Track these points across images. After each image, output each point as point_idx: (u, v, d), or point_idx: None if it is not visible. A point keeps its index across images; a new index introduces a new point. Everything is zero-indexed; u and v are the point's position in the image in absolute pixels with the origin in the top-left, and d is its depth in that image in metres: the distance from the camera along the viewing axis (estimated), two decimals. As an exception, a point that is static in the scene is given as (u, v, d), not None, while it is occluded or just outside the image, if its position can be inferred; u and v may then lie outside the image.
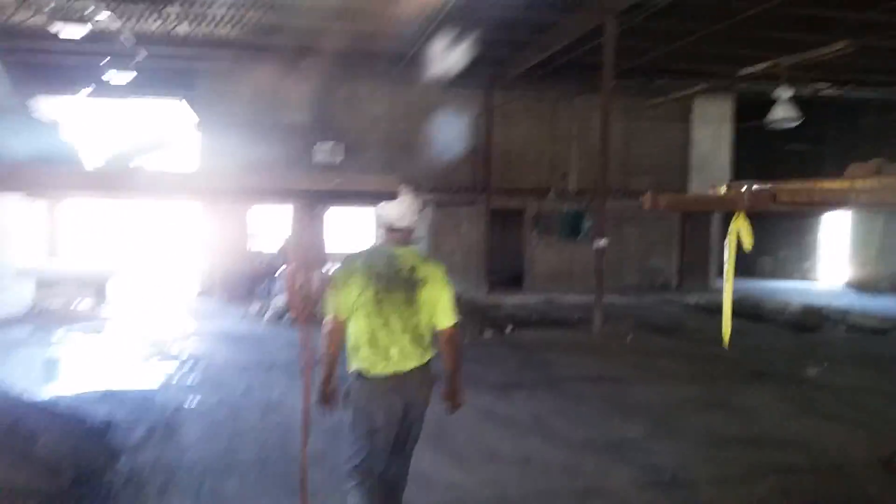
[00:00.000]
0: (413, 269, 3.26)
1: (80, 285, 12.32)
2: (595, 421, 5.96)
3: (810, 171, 18.49)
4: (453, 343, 3.37)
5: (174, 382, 7.11)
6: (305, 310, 3.11)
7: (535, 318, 11.79)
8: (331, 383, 3.32)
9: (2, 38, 11.48)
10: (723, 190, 3.92)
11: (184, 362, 8.01)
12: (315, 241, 3.26)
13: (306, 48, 12.95)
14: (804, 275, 19.17)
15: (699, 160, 16.28)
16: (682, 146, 16.21)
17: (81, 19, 10.11)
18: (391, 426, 3.21)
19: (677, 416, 6.14)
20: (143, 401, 6.27)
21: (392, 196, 3.13)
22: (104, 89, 13.43)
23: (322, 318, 3.29)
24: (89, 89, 13.22)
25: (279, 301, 11.89)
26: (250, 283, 14.59)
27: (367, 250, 3.36)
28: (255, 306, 11.98)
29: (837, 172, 3.37)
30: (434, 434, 4.72)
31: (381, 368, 3.17)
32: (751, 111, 17.57)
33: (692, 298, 14.95)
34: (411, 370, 3.22)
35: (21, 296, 12.20)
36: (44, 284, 12.06)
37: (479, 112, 14.83)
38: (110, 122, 17.06)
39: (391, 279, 3.21)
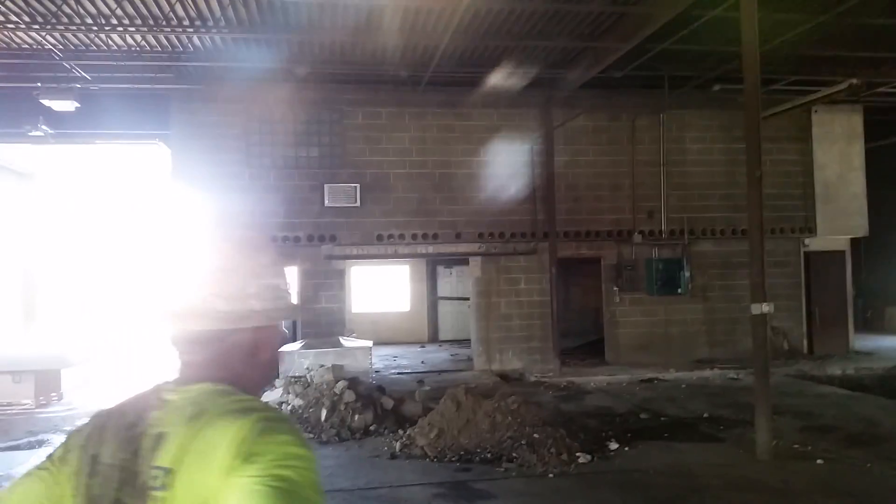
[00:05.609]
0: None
1: (18, 376, 9.17)
2: None
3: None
4: None
5: None
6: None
7: (644, 417, 8.06)
8: None
9: None
10: None
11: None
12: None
13: (311, 68, 9.98)
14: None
15: (824, 189, 12.51)
16: (802, 172, 12.47)
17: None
18: None
19: None
20: None
21: None
22: (59, 130, 10.48)
23: None
24: (38, 130, 10.24)
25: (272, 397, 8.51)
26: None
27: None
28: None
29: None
30: None
31: None
32: (881, 128, 13.90)
33: (835, 369, 11.28)
34: None
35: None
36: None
37: (535, 137, 11.51)
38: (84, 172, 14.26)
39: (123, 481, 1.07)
